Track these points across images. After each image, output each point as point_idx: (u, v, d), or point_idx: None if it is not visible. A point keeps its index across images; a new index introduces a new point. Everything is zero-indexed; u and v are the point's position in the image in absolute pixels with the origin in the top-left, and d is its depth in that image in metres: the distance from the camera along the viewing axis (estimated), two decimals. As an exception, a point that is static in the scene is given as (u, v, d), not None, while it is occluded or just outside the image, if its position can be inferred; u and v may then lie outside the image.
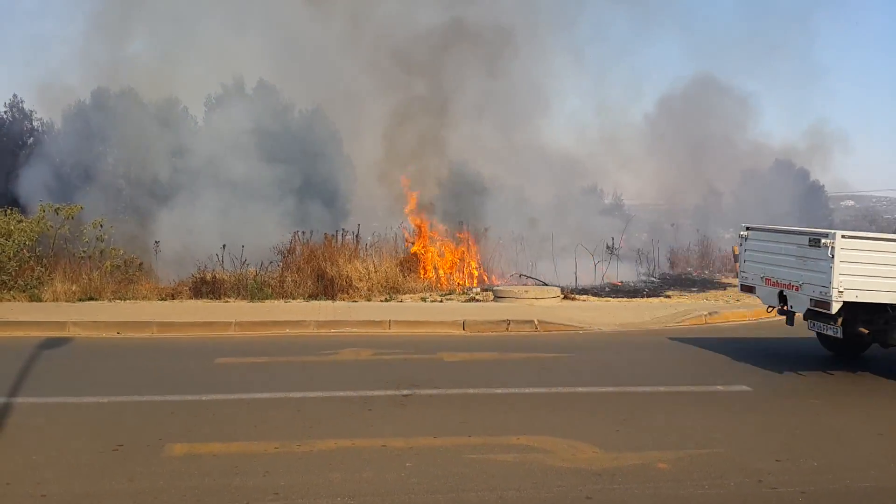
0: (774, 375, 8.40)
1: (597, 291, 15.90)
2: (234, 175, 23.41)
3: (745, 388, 7.59)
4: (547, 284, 16.09)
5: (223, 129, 25.94)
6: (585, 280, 17.38)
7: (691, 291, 16.34)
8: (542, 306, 13.29)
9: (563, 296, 14.45)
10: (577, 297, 14.72)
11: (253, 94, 28.42)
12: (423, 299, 14.21)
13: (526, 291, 14.24)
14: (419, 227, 18.55)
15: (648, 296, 15.42)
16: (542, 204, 23.45)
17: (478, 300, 14.20)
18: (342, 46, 23.62)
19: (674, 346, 10.33)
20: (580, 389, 7.52)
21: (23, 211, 16.95)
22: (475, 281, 17.37)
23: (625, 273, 19.16)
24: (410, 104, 21.18)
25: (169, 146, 23.96)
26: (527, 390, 7.44)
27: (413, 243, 17.66)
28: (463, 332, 11.21)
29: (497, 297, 14.13)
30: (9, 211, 16.06)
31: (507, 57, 22.33)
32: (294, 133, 27.42)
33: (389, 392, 7.24)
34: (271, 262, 15.50)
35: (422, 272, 16.63)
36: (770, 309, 9.25)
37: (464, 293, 15.12)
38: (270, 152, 25.02)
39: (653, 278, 19.16)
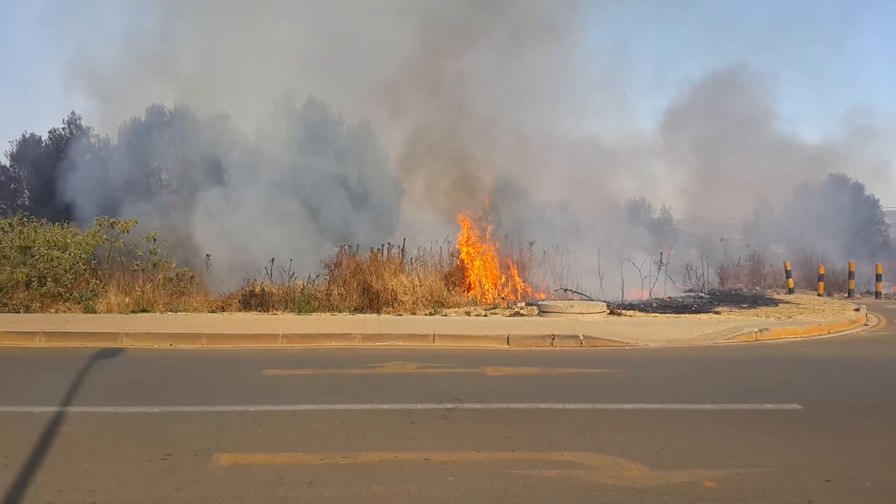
0: (827, 394, 8.18)
1: (644, 307, 15.71)
2: (284, 189, 23.83)
3: (796, 406, 7.39)
4: (592, 299, 15.97)
5: (274, 144, 26.48)
6: (632, 295, 17.20)
7: (741, 307, 16.04)
8: (588, 321, 13.19)
9: (608, 311, 14.32)
10: (623, 312, 14.56)
11: (303, 111, 28.95)
12: (468, 313, 14.23)
13: (571, 306, 14.14)
14: (465, 236, 18.58)
15: (697, 312, 15.18)
16: (589, 218, 23.29)
17: (522, 314, 14.16)
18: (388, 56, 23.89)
19: (723, 363, 10.14)
20: (626, 406, 7.41)
21: (79, 224, 17.53)
22: (520, 295, 17.32)
23: (673, 289, 18.90)
24: (452, 120, 21.33)
25: (222, 162, 24.51)
26: (571, 406, 7.37)
27: (459, 254, 17.67)
28: (507, 346, 11.18)
29: (542, 312, 14.06)
30: (65, 225, 16.64)
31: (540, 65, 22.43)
32: (343, 148, 27.82)
33: (433, 405, 7.25)
34: (318, 276, 15.73)
35: (466, 286, 16.64)
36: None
37: (508, 307, 15.10)
38: (320, 168, 25.43)
39: (702, 294, 18.87)
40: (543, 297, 16.98)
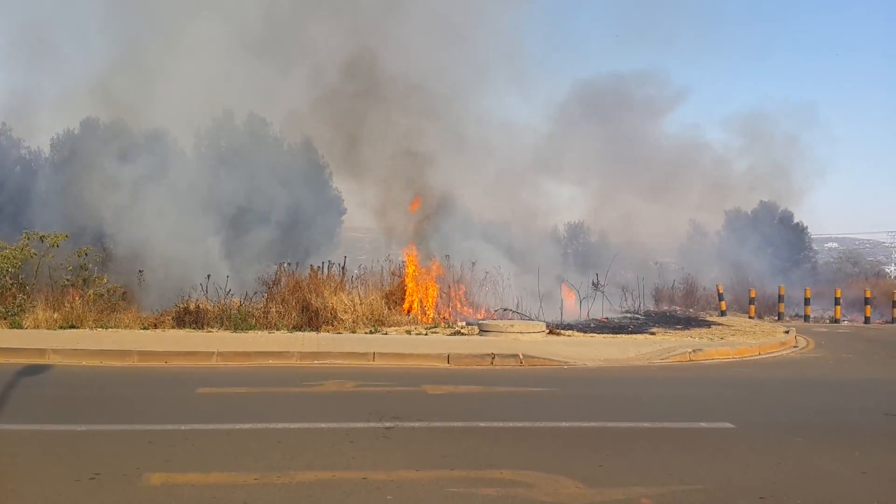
0: (758, 413, 8.41)
1: (582, 327, 15.92)
2: (221, 206, 23.41)
3: (728, 425, 7.57)
4: (532, 319, 16.11)
5: (211, 159, 26.03)
6: (570, 316, 17.43)
7: (676, 329, 16.40)
8: (527, 341, 13.29)
9: (548, 331, 14.46)
10: (562, 332, 14.73)
11: (242, 127, 28.60)
12: (408, 332, 14.18)
13: (511, 326, 14.24)
14: (407, 259, 18.52)
15: (633, 332, 15.45)
16: (526, 239, 23.57)
17: (463, 334, 14.18)
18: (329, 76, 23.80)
19: (658, 383, 10.33)
20: (564, 424, 7.47)
21: (6, 238, 16.83)
22: (461, 315, 17.34)
23: (610, 310, 19.23)
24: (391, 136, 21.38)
25: (158, 175, 23.93)
26: (511, 424, 7.39)
27: (401, 275, 17.58)
28: (447, 365, 11.17)
29: (482, 331, 14.11)
30: (-8, 238, 15.97)
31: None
32: (282, 165, 27.53)
33: (372, 424, 7.17)
34: (256, 293, 15.45)
35: (406, 305, 16.58)
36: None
37: (449, 327, 15.10)
38: (258, 184, 25.09)
39: (638, 315, 19.24)
40: (483, 316, 17.05)
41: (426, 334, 14.02)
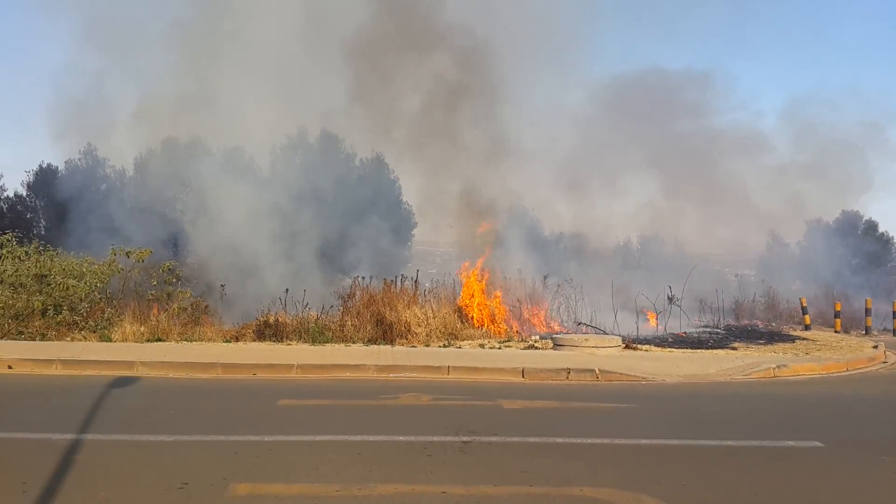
0: (847, 431, 8.06)
1: (659, 342, 15.59)
2: (294, 222, 23.95)
3: (817, 444, 7.28)
4: (607, 333, 15.87)
5: (287, 177, 26.68)
6: (646, 330, 17.09)
7: (758, 343, 15.88)
8: (603, 355, 13.10)
9: (624, 345, 14.21)
10: (638, 346, 14.46)
11: (316, 144, 29.25)
12: (482, 346, 14.17)
13: (586, 340, 14.05)
14: (471, 276, 18.49)
15: (713, 347, 15.05)
16: (602, 252, 23.27)
17: (537, 348, 14.08)
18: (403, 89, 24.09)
19: (741, 399, 10.02)
20: (644, 441, 7.33)
21: (94, 254, 17.62)
22: (533, 329, 17.23)
23: (688, 324, 18.77)
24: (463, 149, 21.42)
25: (235, 193, 24.66)
26: (589, 440, 7.29)
27: (472, 289, 17.58)
28: (522, 379, 11.11)
29: (556, 346, 13.99)
30: (81, 254, 16.75)
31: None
32: (355, 180, 28.04)
33: (449, 438, 7.19)
34: (332, 307, 15.72)
35: (477, 319, 16.57)
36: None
37: (522, 341, 15.02)
38: (331, 199, 25.60)
39: (717, 329, 18.72)
40: (557, 330, 16.89)
41: (500, 348, 13.99)
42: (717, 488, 5.87)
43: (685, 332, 17.44)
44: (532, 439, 7.30)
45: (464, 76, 21.38)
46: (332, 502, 5.33)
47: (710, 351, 14.47)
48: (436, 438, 7.18)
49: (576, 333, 15.70)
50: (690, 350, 14.52)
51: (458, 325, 15.61)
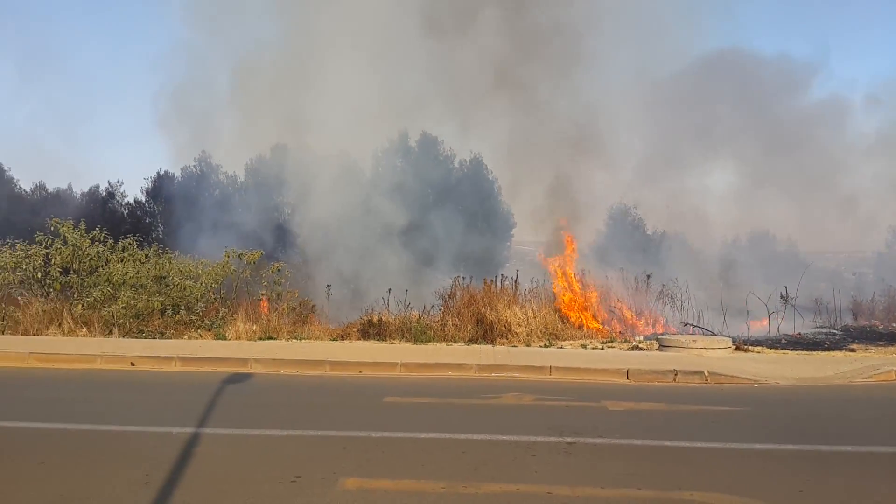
0: None
1: (772, 343, 14.95)
2: (397, 222, 24.39)
3: (949, 453, 6.82)
4: (715, 334, 15.36)
5: (388, 179, 27.21)
6: (758, 331, 16.43)
7: (878, 345, 14.97)
8: (712, 357, 12.68)
9: (734, 347, 13.71)
10: (749, 348, 13.91)
11: (416, 147, 29.68)
12: (583, 346, 14.01)
13: (693, 341, 13.63)
14: (571, 276, 18.26)
15: (830, 349, 14.30)
16: (708, 250, 22.52)
17: (641, 348, 13.80)
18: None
19: (861, 403, 9.49)
20: (757, 446, 7.06)
21: (208, 256, 18.52)
22: (636, 330, 16.88)
23: (802, 325, 17.92)
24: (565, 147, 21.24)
25: (338, 196, 25.38)
26: (698, 444, 7.09)
27: (562, 293, 17.38)
28: (626, 380, 10.90)
29: (662, 346, 13.65)
30: (196, 256, 17.65)
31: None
32: (454, 181, 28.27)
33: (553, 438, 7.16)
34: (433, 306, 15.92)
35: (577, 319, 16.38)
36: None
37: (625, 341, 14.74)
38: (431, 200, 25.92)
39: (834, 330, 17.77)
40: (662, 330, 16.48)
41: (602, 349, 13.78)
42: (835, 496, 5.60)
43: (799, 334, 16.65)
44: (638, 442, 7.16)
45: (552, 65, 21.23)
46: (439, 499, 5.41)
47: (826, 353, 13.77)
48: (540, 439, 7.16)
49: (682, 334, 15.26)
50: (805, 352, 13.85)
51: (558, 326, 15.49)
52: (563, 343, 14.44)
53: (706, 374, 10.91)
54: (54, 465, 6.21)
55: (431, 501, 5.35)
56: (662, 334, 15.03)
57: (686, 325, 16.65)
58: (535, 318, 15.34)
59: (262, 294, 16.57)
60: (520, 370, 11.23)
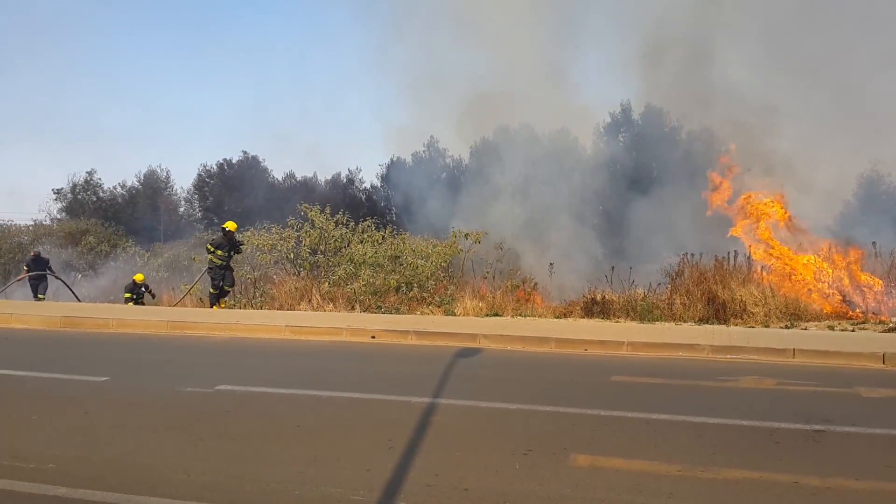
0: None
1: None
2: (618, 200, 23.86)
3: None
4: None
5: (608, 156, 26.68)
6: None
7: None
8: None
9: None
10: None
11: (639, 119, 28.77)
12: (831, 328, 12.87)
13: (966, 323, 11.99)
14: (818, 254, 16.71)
15: None
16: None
17: (901, 331, 12.39)
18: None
19: None
20: None
21: (436, 236, 19.42)
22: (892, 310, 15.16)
23: None
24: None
25: (558, 174, 25.36)
26: (976, 439, 6.27)
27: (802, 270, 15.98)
28: (882, 365, 9.86)
29: (926, 329, 12.16)
30: (426, 236, 18.59)
31: None
32: (680, 154, 27.04)
33: (798, 426, 6.68)
34: (659, 284, 15.45)
35: (822, 299, 15.04)
36: None
37: (880, 322, 13.31)
38: (655, 175, 25.02)
39: None
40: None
41: (853, 331, 12.56)
42: None
43: None
44: (897, 432, 6.49)
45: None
46: (674, 482, 5.28)
47: None
48: (783, 425, 6.71)
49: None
50: None
51: (800, 305, 14.32)
52: (806, 324, 13.36)
53: (984, 361, 9.56)
54: (308, 427, 6.87)
55: (668, 483, 5.24)
56: (928, 315, 13.38)
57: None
58: (774, 297, 14.31)
59: (487, 272, 17.07)
60: (758, 352, 10.56)
